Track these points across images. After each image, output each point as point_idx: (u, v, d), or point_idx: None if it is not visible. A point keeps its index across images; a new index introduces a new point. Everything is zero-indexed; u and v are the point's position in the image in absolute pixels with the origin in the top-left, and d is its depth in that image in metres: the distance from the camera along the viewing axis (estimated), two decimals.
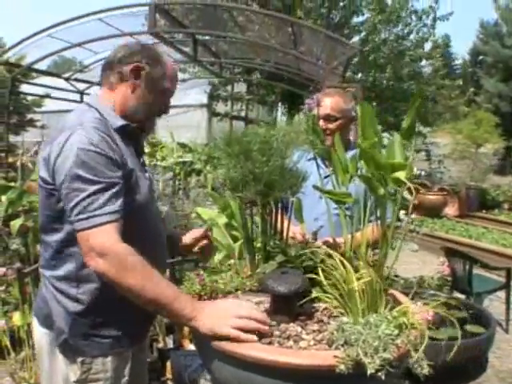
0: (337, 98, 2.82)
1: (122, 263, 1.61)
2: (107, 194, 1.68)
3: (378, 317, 1.48)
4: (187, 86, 12.38)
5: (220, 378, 1.55)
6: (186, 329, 3.39)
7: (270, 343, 1.47)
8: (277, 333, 1.51)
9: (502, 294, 5.57)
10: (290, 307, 1.61)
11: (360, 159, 1.76)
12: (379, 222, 1.80)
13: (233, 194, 1.92)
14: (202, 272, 1.93)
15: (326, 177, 2.30)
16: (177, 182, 8.38)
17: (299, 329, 1.54)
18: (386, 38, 13.59)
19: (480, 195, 13.06)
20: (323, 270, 1.67)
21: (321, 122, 2.68)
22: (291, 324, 1.57)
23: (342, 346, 1.39)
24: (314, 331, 1.54)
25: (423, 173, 13.84)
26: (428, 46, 14.72)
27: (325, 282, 1.66)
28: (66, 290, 1.84)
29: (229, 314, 1.53)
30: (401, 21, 13.76)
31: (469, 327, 2.94)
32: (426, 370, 1.42)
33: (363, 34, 13.84)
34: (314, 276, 1.66)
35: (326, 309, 1.67)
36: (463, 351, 2.22)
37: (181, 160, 8.60)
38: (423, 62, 15.49)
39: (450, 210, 12.36)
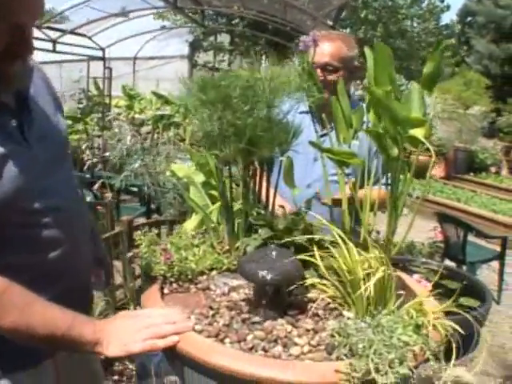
0: (339, 42, 2.28)
1: None
2: None
3: (392, 316, 1.14)
4: (167, 35, 11.83)
5: None
6: None
7: (252, 348, 1.12)
8: (260, 333, 1.17)
9: (492, 262, 5.31)
10: (278, 299, 1.26)
11: (368, 111, 1.40)
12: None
13: (209, 151, 1.56)
14: (168, 247, 1.59)
15: (322, 135, 1.94)
16: (155, 136, 7.97)
17: (289, 327, 1.20)
18: None
19: (468, 157, 12.80)
20: (319, 249, 1.34)
21: (318, 72, 2.17)
22: (279, 320, 1.23)
23: (346, 355, 1.06)
24: (308, 331, 1.19)
25: None
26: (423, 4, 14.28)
27: (322, 266, 1.32)
28: None
29: (137, 327, 1.23)
30: None
31: (463, 300, 2.70)
32: None
33: None
34: (308, 258, 1.32)
35: (321, 299, 1.33)
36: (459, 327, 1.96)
37: (159, 113, 8.16)
38: (415, 23, 15.05)
39: (436, 171, 12.09)
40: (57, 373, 1.50)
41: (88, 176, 6.96)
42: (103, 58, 9.72)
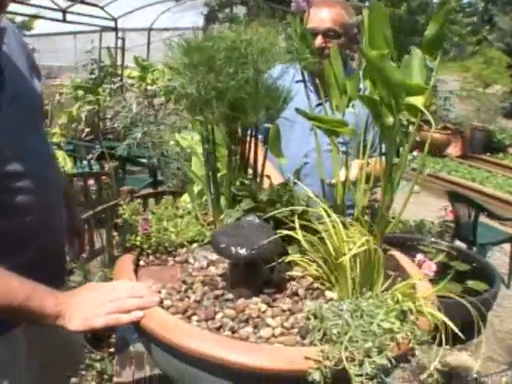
0: (338, 8, 2.21)
1: None
2: None
3: (374, 300, 1.04)
4: (182, 8, 11.66)
5: (160, 367, 1.17)
6: None
7: (219, 328, 1.03)
8: (231, 312, 1.08)
9: (504, 244, 5.15)
10: (253, 275, 1.16)
11: (365, 78, 1.29)
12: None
13: (191, 115, 1.46)
14: (150, 217, 1.50)
15: (317, 105, 1.85)
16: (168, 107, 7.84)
17: (264, 307, 1.10)
18: None
19: (485, 137, 12.48)
20: (302, 224, 1.24)
21: (318, 40, 2.13)
22: (254, 299, 1.13)
23: (320, 340, 0.96)
24: (283, 311, 1.09)
25: None
26: None
27: (303, 241, 1.22)
28: None
29: (101, 300, 1.15)
30: None
31: (471, 283, 2.61)
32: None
33: None
34: (290, 232, 1.22)
35: (303, 277, 1.24)
36: (464, 311, 1.88)
37: (171, 84, 8.02)
38: None
39: (453, 149, 11.82)
40: (28, 340, 1.46)
41: (97, 146, 6.90)
42: (115, 29, 9.59)
